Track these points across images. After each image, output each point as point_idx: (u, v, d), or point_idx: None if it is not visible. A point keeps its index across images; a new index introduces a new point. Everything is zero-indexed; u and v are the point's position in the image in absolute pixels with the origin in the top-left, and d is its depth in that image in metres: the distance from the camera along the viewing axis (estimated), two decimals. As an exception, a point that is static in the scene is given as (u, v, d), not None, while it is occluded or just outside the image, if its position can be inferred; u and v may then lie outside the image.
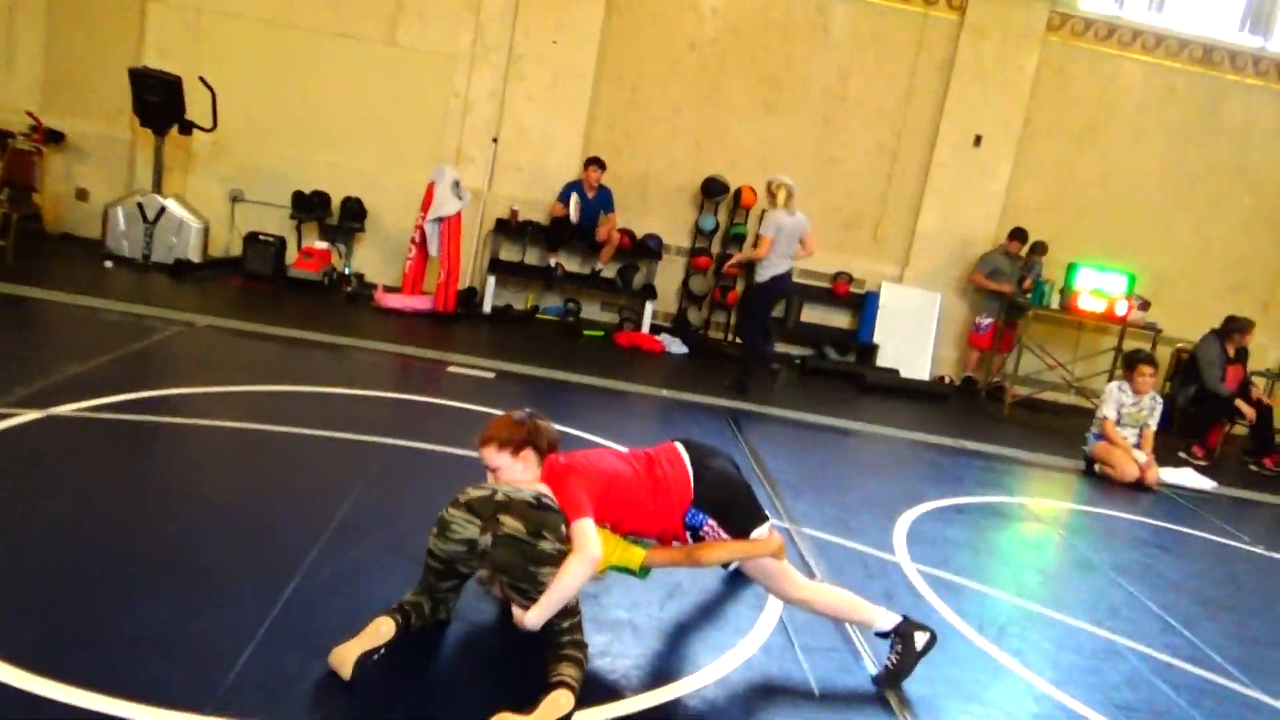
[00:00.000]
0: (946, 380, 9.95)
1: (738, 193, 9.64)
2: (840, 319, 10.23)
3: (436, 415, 5.60)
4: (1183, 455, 8.07)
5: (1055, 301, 9.11)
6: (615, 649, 3.07)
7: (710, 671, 3.04)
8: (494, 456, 2.92)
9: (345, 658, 2.58)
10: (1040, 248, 9.63)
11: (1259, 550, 5.76)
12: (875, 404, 8.45)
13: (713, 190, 9.65)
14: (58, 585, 2.91)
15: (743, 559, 3.16)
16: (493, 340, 8.23)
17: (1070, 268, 9.11)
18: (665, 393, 7.23)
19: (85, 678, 2.40)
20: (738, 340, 9.15)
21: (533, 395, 6.34)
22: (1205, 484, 7.24)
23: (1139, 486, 6.75)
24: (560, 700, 2.51)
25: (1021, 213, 9.93)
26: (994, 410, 9.12)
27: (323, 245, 9.09)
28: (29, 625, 2.66)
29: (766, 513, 3.23)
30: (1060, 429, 8.65)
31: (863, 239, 10.18)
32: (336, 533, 3.56)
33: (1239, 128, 10.12)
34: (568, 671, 2.59)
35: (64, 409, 4.40)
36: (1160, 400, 7.17)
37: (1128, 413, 7.03)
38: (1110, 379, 8.53)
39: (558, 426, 3.16)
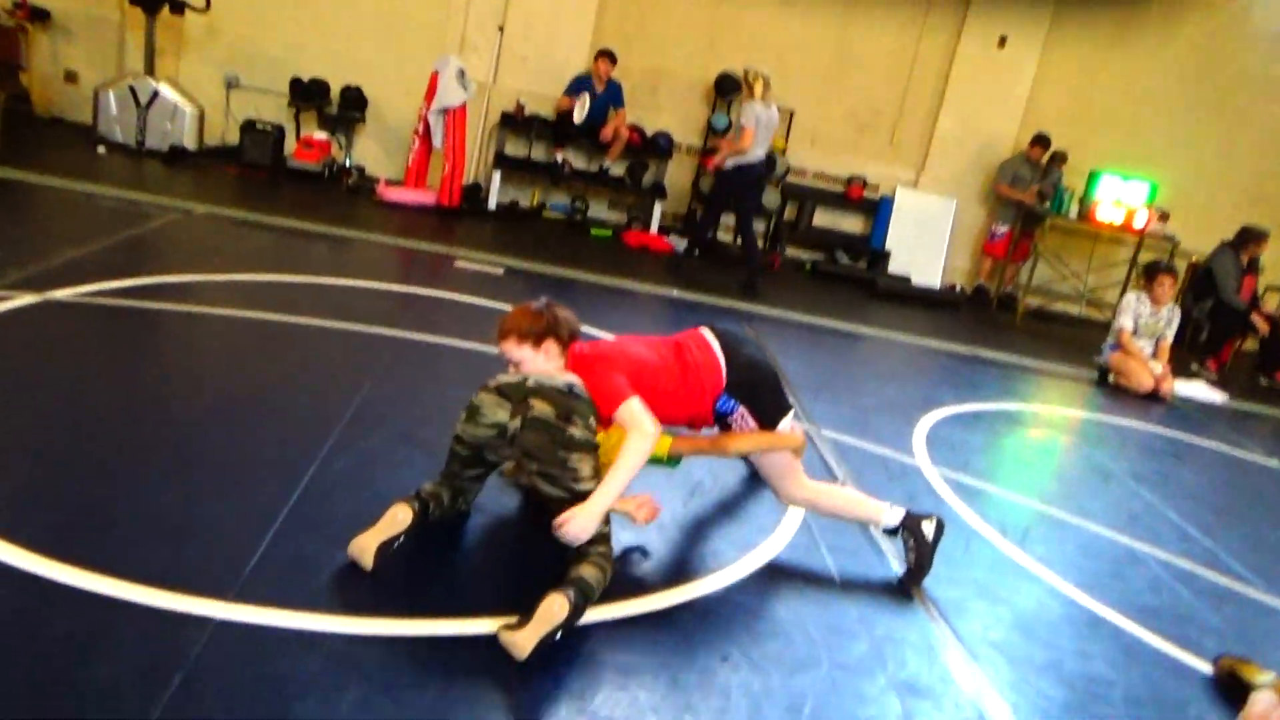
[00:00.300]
0: (958, 289, 9.80)
1: (752, 90, 9.29)
2: (853, 223, 10.01)
3: (446, 309, 5.46)
4: (1195, 368, 8.01)
5: (1074, 211, 8.90)
6: (640, 545, 3.01)
7: (736, 568, 2.98)
8: (515, 350, 2.78)
9: (365, 547, 2.51)
10: (1060, 157, 9.34)
11: (1273, 463, 5.72)
12: (887, 310, 8.33)
13: (726, 88, 9.31)
14: (68, 470, 2.81)
15: (767, 451, 3.07)
16: (498, 236, 8.02)
17: (1092, 176, 8.86)
18: (676, 293, 7.09)
19: (104, 563, 2.32)
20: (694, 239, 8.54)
21: (542, 291, 6.16)
22: (1216, 397, 7.17)
23: (1153, 398, 6.69)
24: (554, 608, 2.28)
25: (1044, 118, 9.61)
26: (1006, 320, 9.00)
27: (322, 136, 8.81)
28: (42, 511, 2.56)
29: (791, 403, 3.14)
30: (1072, 339, 8.55)
31: (879, 142, 9.88)
32: (351, 423, 3.46)
33: (1272, 36, 9.72)
34: (584, 572, 2.43)
35: (62, 293, 4.25)
36: (1179, 312, 7.06)
37: (1145, 324, 6.92)
38: (1124, 291, 8.40)
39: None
